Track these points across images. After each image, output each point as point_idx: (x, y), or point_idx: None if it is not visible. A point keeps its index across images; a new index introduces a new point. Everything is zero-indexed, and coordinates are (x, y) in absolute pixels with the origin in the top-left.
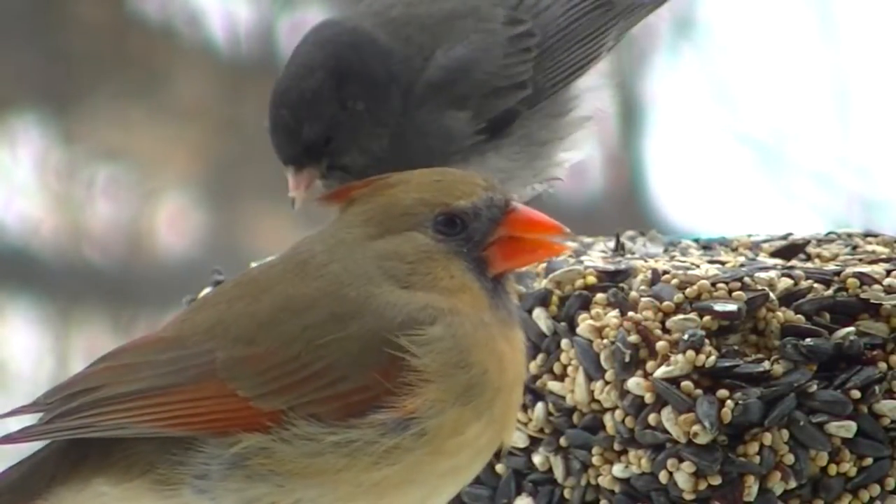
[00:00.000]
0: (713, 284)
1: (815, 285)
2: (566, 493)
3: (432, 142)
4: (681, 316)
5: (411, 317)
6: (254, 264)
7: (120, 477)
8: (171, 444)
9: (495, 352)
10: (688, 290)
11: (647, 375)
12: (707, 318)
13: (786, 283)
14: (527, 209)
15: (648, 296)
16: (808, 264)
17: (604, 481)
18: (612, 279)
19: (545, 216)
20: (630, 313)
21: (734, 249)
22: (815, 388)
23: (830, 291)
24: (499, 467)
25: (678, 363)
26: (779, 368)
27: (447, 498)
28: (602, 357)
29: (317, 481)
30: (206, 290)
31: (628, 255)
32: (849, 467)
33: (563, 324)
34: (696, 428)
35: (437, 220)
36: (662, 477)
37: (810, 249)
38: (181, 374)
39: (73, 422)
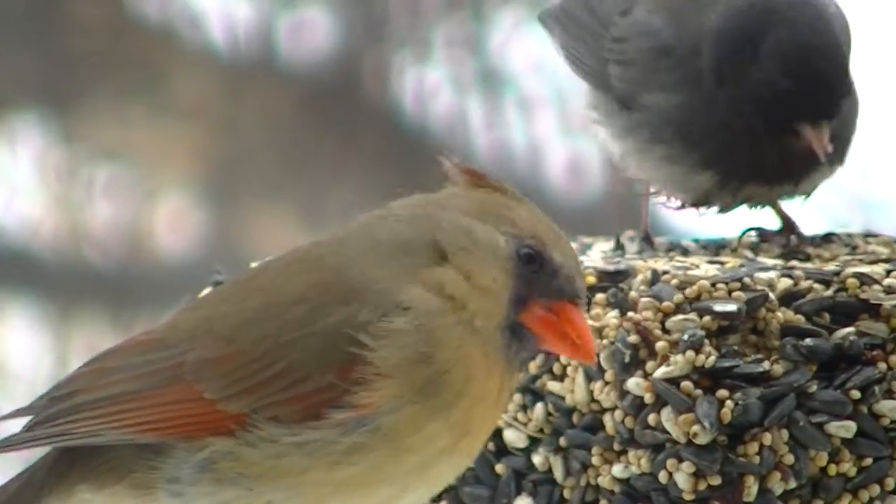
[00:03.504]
0: (713, 284)
1: (815, 285)
2: (566, 493)
3: None
4: (681, 316)
5: (378, 307)
6: (253, 265)
7: (102, 483)
8: (146, 449)
9: (465, 357)
10: (688, 291)
11: (646, 376)
12: (707, 318)
13: (786, 283)
14: (583, 315)
15: (648, 296)
16: (808, 264)
17: (603, 481)
18: (612, 279)
19: (590, 334)
20: (630, 313)
21: (734, 250)
22: (815, 388)
23: (830, 291)
24: (499, 467)
25: (678, 363)
26: (779, 368)
27: (420, 498)
28: (602, 357)
29: (284, 483)
30: (207, 290)
31: (628, 255)
32: (849, 467)
33: None
34: (695, 428)
35: (525, 246)
36: (662, 477)
37: (810, 249)
38: (152, 377)
39: (51, 429)
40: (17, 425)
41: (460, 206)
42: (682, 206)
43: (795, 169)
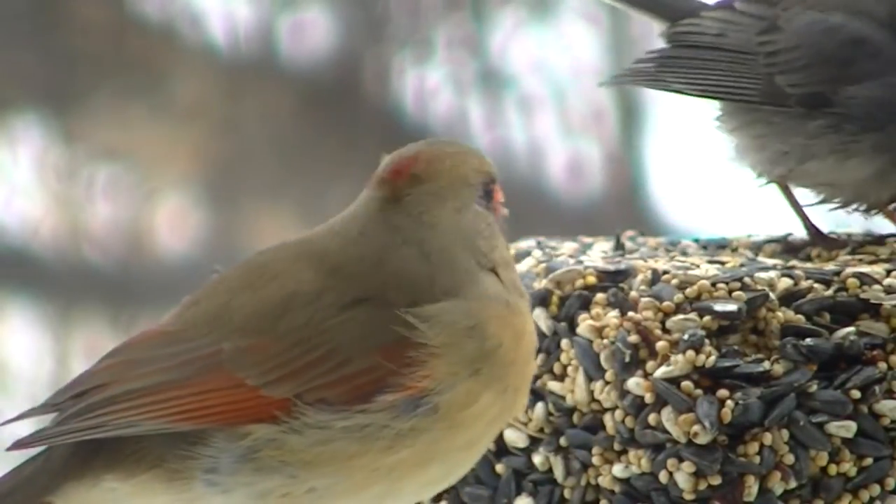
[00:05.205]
0: (713, 284)
1: (815, 285)
2: (566, 493)
3: None
4: (681, 316)
5: (420, 290)
6: None
7: (130, 472)
8: (180, 439)
9: (512, 325)
10: (688, 290)
11: (647, 375)
12: (707, 318)
13: (786, 283)
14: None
15: (648, 296)
16: (808, 264)
17: (604, 481)
18: (612, 279)
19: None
20: (630, 313)
21: (734, 249)
22: (815, 388)
23: (830, 291)
24: (499, 467)
25: (678, 363)
26: (779, 368)
27: (463, 472)
28: (602, 357)
29: (330, 469)
30: None
31: (628, 255)
32: (849, 467)
33: (563, 324)
34: (696, 428)
35: (485, 189)
36: (662, 477)
37: (810, 249)
38: (188, 366)
39: (84, 422)
40: (22, 428)
41: (443, 217)
42: (865, 211)
43: None
